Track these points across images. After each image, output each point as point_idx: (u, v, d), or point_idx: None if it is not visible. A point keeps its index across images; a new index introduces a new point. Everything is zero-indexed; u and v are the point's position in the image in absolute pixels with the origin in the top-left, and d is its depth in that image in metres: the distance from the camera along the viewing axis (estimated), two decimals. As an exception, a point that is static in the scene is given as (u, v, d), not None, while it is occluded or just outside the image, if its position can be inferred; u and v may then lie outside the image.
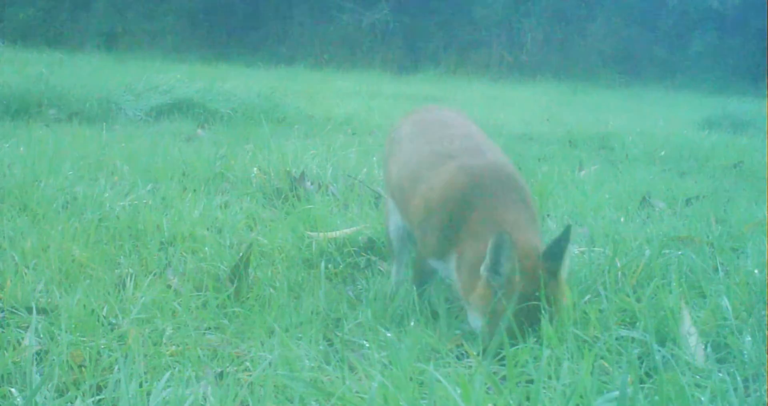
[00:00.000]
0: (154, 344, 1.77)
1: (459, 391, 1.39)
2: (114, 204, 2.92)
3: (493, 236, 1.73)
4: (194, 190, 3.24)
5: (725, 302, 1.92)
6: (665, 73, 16.36)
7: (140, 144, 4.52)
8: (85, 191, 3.04)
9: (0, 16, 16.56)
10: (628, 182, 4.09)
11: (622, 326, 1.88)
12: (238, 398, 1.49)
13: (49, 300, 1.99)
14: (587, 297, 2.04)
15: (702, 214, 3.20)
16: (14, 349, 1.68)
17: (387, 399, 1.41)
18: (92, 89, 6.39)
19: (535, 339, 1.68)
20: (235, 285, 2.12)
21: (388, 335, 1.83)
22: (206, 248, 2.50)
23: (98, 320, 1.85)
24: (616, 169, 4.72)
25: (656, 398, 1.37)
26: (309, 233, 2.66)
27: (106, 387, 1.53)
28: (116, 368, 1.61)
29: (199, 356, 1.71)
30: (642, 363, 1.69)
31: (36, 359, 1.66)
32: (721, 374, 1.58)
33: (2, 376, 1.59)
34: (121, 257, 2.42)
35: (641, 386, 1.53)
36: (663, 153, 5.60)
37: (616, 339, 1.73)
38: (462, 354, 1.77)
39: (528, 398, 1.45)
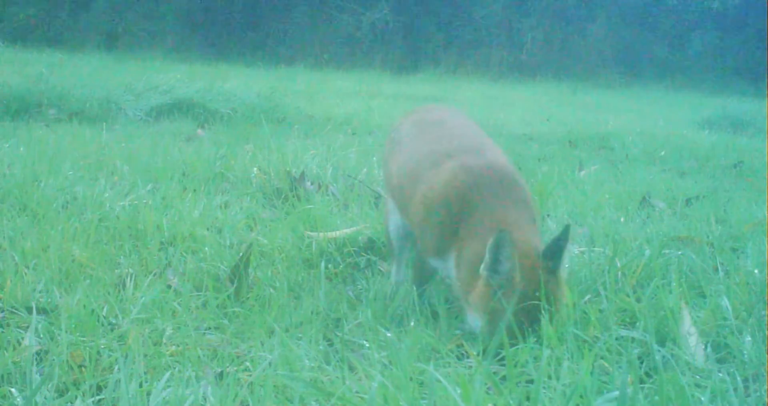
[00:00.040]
0: (154, 344, 1.77)
1: (459, 391, 1.39)
2: (114, 204, 2.91)
3: (493, 235, 1.74)
4: (194, 191, 3.24)
5: (725, 302, 1.92)
6: (665, 73, 16.38)
7: (140, 144, 4.51)
8: (85, 191, 3.04)
9: (0, 16, 16.54)
10: (628, 182, 4.09)
11: (622, 326, 1.88)
12: (238, 398, 1.49)
13: (49, 300, 1.99)
14: (587, 297, 2.04)
15: (702, 214, 3.20)
16: (14, 349, 1.68)
17: (387, 399, 1.41)
18: (92, 89, 6.38)
19: (535, 339, 1.68)
20: (235, 285, 2.12)
21: (388, 335, 1.83)
22: (206, 248, 2.50)
23: (98, 320, 1.85)
24: (616, 169, 4.72)
25: (656, 398, 1.37)
26: (309, 233, 2.65)
27: (106, 387, 1.53)
28: (116, 368, 1.61)
29: (199, 356, 1.71)
30: (642, 363, 1.69)
31: (36, 359, 1.66)
32: (721, 374, 1.58)
33: (2, 376, 1.59)
34: (121, 257, 2.42)
35: (641, 386, 1.53)
36: (663, 153, 5.60)
37: (616, 339, 1.73)
38: (462, 354, 1.77)
39: (528, 398, 1.45)
